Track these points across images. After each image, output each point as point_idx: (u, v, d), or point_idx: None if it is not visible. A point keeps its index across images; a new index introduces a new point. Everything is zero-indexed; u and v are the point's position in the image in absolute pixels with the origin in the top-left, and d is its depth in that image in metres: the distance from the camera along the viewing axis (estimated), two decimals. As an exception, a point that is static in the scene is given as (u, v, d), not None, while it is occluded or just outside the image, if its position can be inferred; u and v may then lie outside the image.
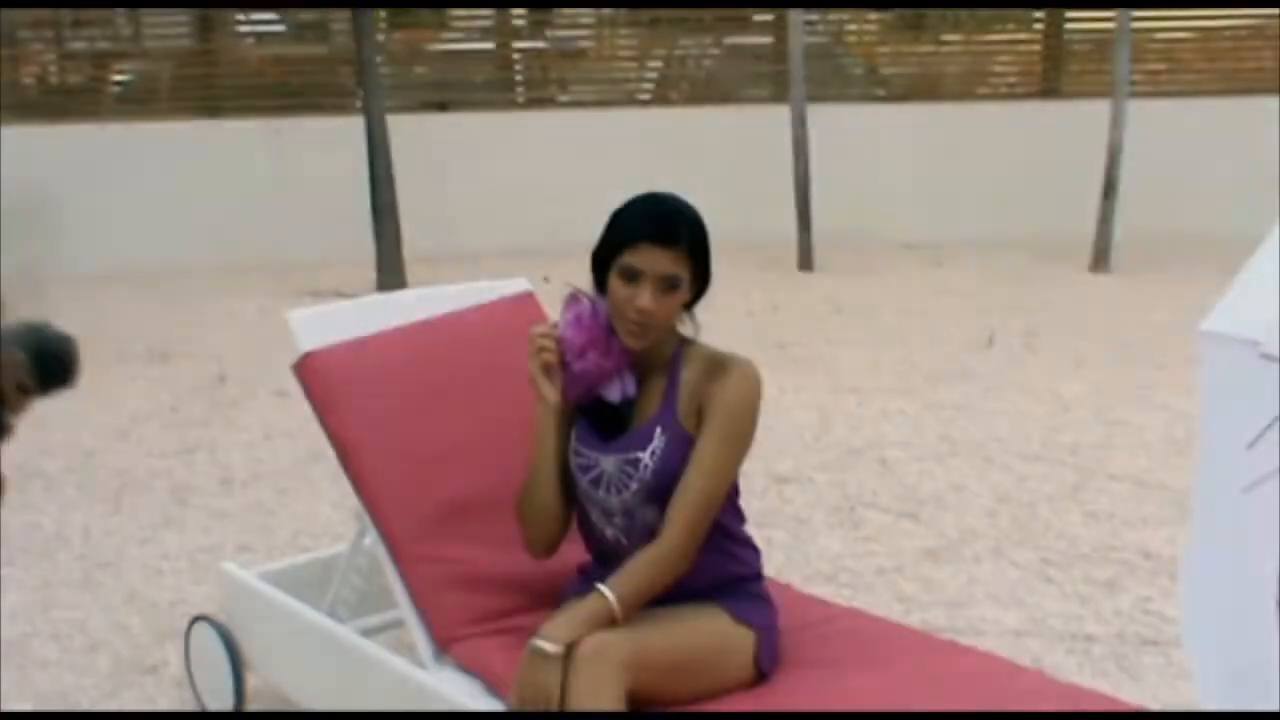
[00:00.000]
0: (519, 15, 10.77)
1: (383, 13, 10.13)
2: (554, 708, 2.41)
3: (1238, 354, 1.68)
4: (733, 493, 2.72)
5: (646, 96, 11.06)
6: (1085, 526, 4.77)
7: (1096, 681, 3.62)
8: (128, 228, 9.31)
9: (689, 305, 2.68)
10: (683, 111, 10.65)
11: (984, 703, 2.52)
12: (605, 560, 2.74)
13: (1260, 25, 10.51)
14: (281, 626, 3.37)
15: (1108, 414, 6.03)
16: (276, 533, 4.83)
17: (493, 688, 2.73)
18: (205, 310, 8.21)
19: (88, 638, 4.05)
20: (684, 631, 2.58)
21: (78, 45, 10.64)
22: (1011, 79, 11.07)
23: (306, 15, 10.72)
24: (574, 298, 2.66)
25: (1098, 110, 9.09)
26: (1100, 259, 9.03)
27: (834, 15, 10.84)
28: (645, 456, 2.62)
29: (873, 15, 11.17)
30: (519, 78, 11.08)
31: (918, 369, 6.80)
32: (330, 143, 9.34)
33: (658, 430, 2.63)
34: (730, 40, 11.05)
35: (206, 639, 3.55)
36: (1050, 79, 10.66)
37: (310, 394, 3.12)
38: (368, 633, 3.25)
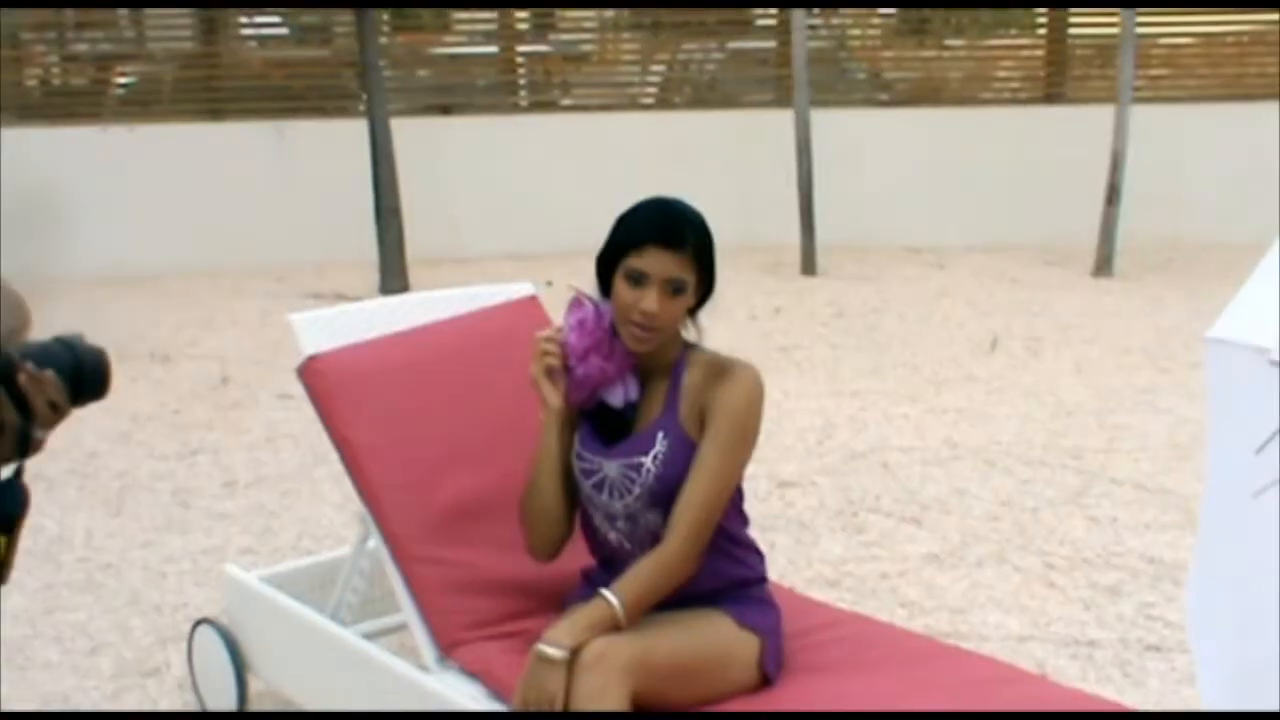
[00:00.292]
0: (522, 18, 10.77)
1: (385, 15, 10.13)
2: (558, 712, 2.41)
3: (1244, 360, 1.68)
4: (736, 497, 2.72)
5: (650, 100, 11.06)
6: (1088, 531, 4.77)
7: (1100, 687, 3.62)
8: (131, 230, 9.30)
9: (693, 311, 2.68)
10: (686, 116, 10.64)
11: (987, 708, 2.52)
12: (609, 564, 2.74)
13: (1263, 31, 10.48)
14: (284, 630, 3.37)
15: (1110, 419, 6.02)
16: (279, 535, 4.82)
17: (496, 692, 2.73)
18: (208, 312, 8.21)
19: (90, 640, 4.04)
20: (688, 636, 2.58)
21: (80, 47, 10.65)
22: (1015, 84, 11.06)
23: (309, 18, 10.72)
24: (578, 301, 2.67)
25: (1101, 115, 9.08)
26: (1103, 264, 9.02)
27: (837, 20, 10.84)
28: (648, 461, 2.62)
29: (876, 20, 11.17)
30: (522, 81, 11.08)
31: (920, 373, 6.79)
32: (333, 145, 9.34)
33: (660, 435, 2.63)
34: (733, 45, 11.03)
35: (209, 642, 3.55)
36: (1054, 84, 10.65)
37: (314, 397, 3.12)
38: (371, 636, 3.25)
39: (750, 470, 2.70)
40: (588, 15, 10.96)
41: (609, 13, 10.93)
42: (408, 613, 2.96)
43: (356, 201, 8.63)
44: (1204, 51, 10.93)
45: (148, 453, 5.72)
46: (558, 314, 2.76)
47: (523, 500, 2.77)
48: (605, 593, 2.52)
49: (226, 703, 3.51)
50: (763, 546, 2.86)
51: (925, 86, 10.90)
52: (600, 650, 2.43)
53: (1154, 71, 10.56)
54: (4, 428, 1.97)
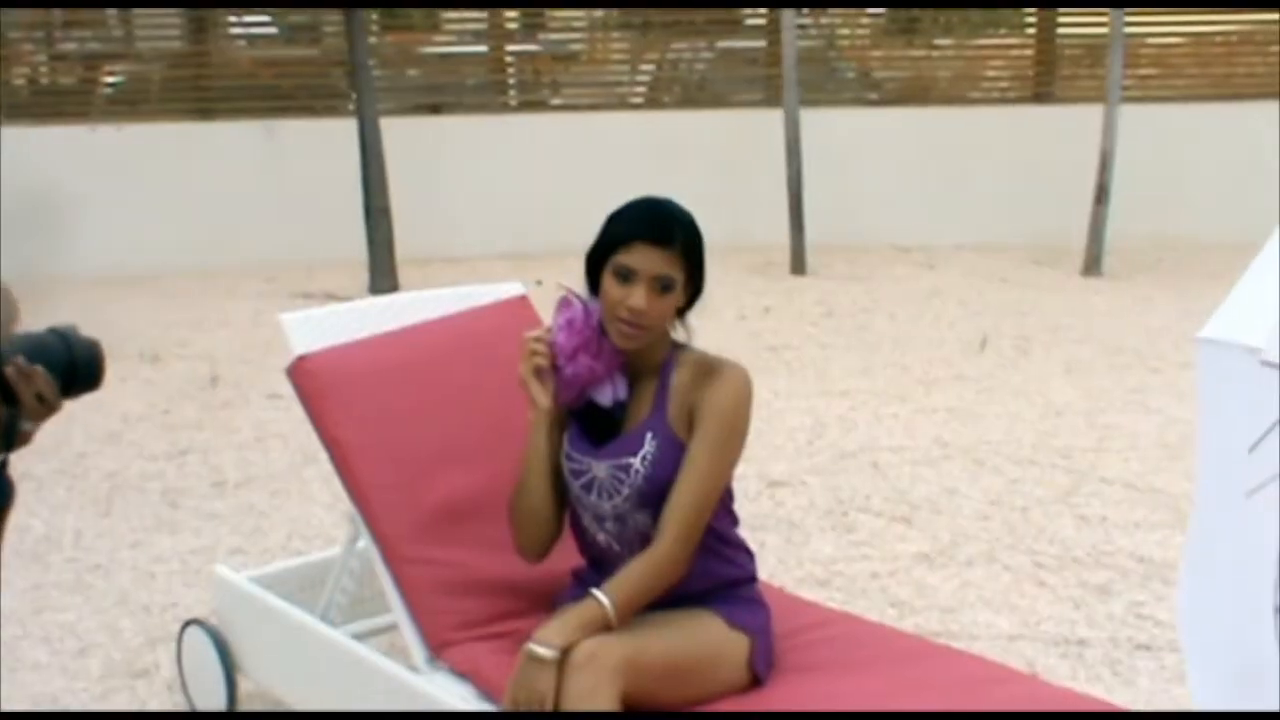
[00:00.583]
0: (511, 18, 10.76)
1: (375, 14, 10.11)
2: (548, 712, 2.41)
3: (1236, 361, 1.68)
4: (726, 497, 2.72)
5: (639, 100, 11.05)
6: (1078, 530, 4.77)
7: (1090, 686, 3.63)
8: (119, 229, 9.28)
9: (682, 311, 2.68)
10: (675, 115, 10.64)
11: (977, 708, 2.52)
12: (599, 565, 2.74)
13: (1252, 31, 10.52)
14: (274, 630, 3.36)
15: (1100, 418, 6.03)
16: (269, 536, 4.81)
17: (486, 692, 2.73)
18: (197, 312, 8.20)
19: (79, 641, 4.03)
20: (679, 636, 2.58)
21: (68, 46, 10.62)
22: (1004, 83, 11.07)
23: (298, 17, 10.71)
24: (566, 301, 2.66)
25: (1090, 115, 9.09)
26: (1092, 263, 9.04)
27: (827, 19, 10.84)
28: (636, 462, 2.62)
29: (865, 20, 11.18)
30: (511, 81, 11.06)
31: (910, 373, 6.80)
32: (322, 145, 9.33)
33: (649, 435, 2.63)
34: (723, 44, 11.03)
35: (198, 642, 3.54)
36: (1043, 84, 10.67)
37: (303, 397, 3.12)
38: (360, 636, 3.24)
39: (740, 470, 2.70)
40: (577, 15, 10.95)
41: (598, 12, 10.92)
42: (397, 613, 2.95)
43: (346, 201, 8.62)
44: (1193, 51, 10.95)
45: (137, 453, 5.71)
46: (547, 313, 2.76)
47: (511, 500, 2.77)
48: (596, 593, 2.52)
49: (216, 704, 3.50)
50: (753, 546, 2.86)
51: (914, 86, 10.91)
52: (591, 650, 2.43)
53: (1143, 71, 10.58)
54: None
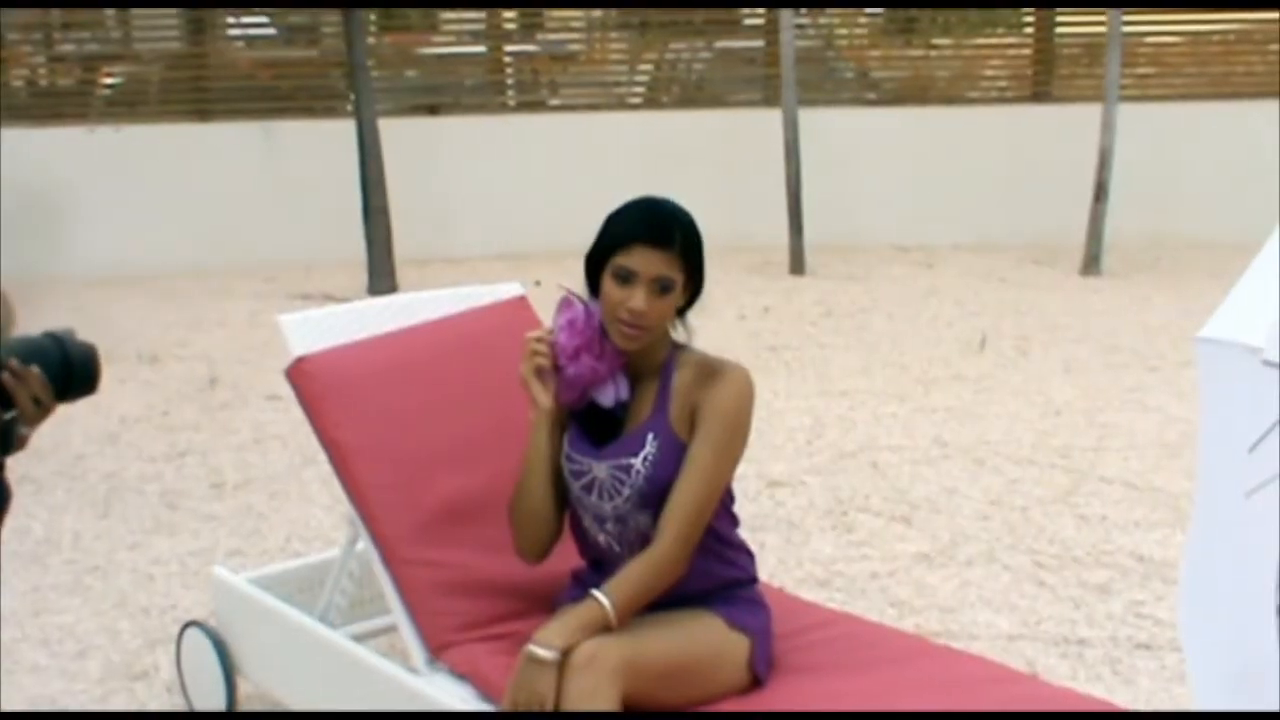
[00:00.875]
0: (510, 18, 10.76)
1: (373, 15, 10.11)
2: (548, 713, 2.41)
3: (1236, 360, 1.68)
4: (726, 498, 2.71)
5: (638, 100, 11.05)
6: (1077, 530, 4.77)
7: (1090, 686, 3.62)
8: (117, 230, 9.28)
9: (682, 311, 2.68)
10: (674, 115, 10.64)
11: (977, 708, 2.52)
12: (599, 566, 2.74)
13: (1250, 30, 10.52)
14: (273, 632, 3.35)
15: (1099, 417, 6.03)
16: (268, 537, 4.81)
17: (486, 694, 2.73)
18: (196, 313, 8.19)
19: (77, 643, 4.03)
20: (679, 637, 2.57)
21: (67, 48, 10.62)
22: (1002, 83, 11.07)
23: (297, 18, 10.71)
24: (567, 301, 2.66)
25: (1088, 114, 9.09)
26: (1091, 262, 9.03)
27: (825, 19, 10.84)
28: (637, 463, 2.61)
29: (864, 19, 11.18)
30: (510, 81, 11.06)
31: (909, 372, 6.79)
32: (321, 146, 9.33)
33: (650, 436, 2.63)
34: (721, 44, 11.03)
35: (198, 644, 3.54)
36: (1041, 83, 10.66)
37: (302, 398, 3.11)
38: (360, 638, 3.24)
39: (740, 470, 2.69)
40: (575, 15, 10.95)
41: (596, 12, 10.92)
42: (397, 614, 2.95)
43: (344, 202, 8.62)
44: (1191, 50, 10.95)
45: (136, 454, 5.71)
46: (546, 314, 2.76)
47: (511, 501, 2.76)
48: (596, 594, 2.52)
49: (215, 705, 3.50)
50: (753, 546, 2.86)
51: (913, 85, 10.91)
52: (591, 651, 2.42)
53: (1141, 70, 10.58)
54: None
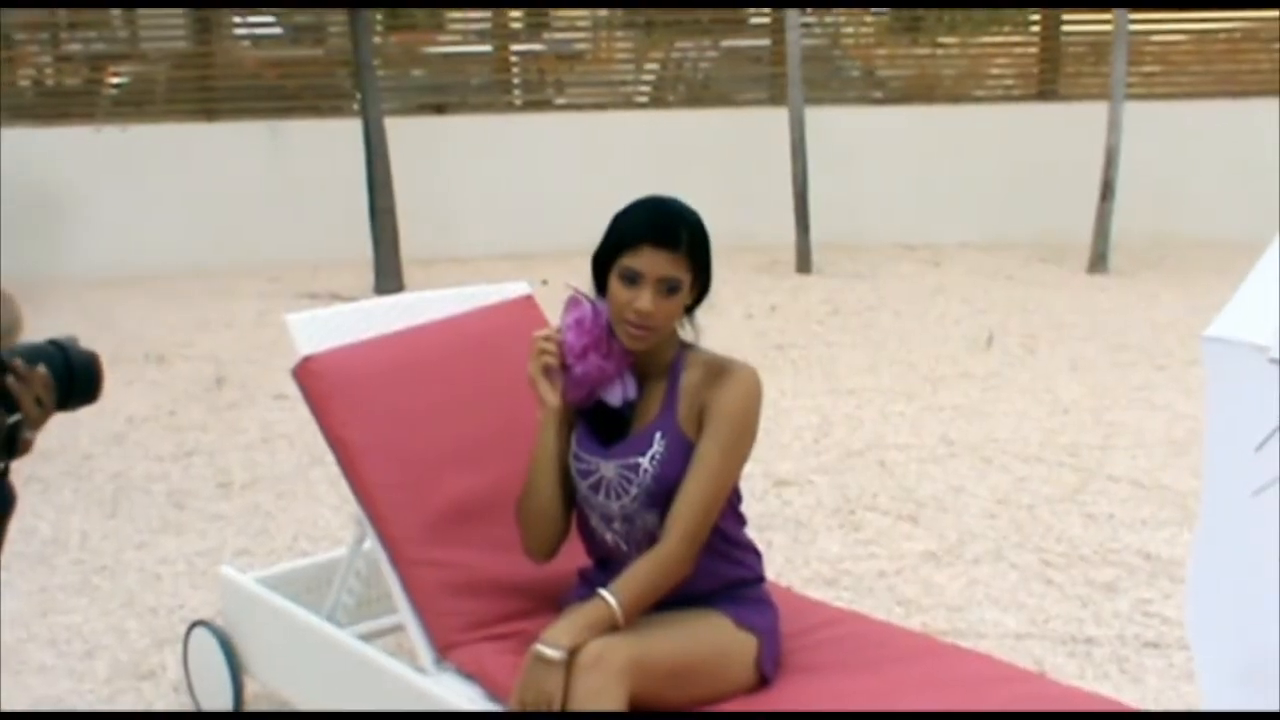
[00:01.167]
0: (516, 17, 10.76)
1: (379, 14, 10.11)
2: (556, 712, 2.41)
3: (1244, 359, 1.67)
4: (733, 497, 2.71)
5: (644, 99, 11.05)
6: (1085, 528, 4.76)
7: (1098, 684, 3.62)
8: (124, 230, 9.29)
9: (689, 310, 2.67)
10: (680, 114, 10.64)
11: (985, 707, 2.52)
12: (606, 565, 2.74)
13: (1256, 28, 10.51)
14: (280, 631, 3.36)
15: (1106, 415, 6.02)
16: (275, 537, 4.81)
17: (493, 693, 2.73)
18: (202, 313, 8.20)
19: (85, 643, 4.03)
20: (686, 636, 2.57)
21: (74, 47, 10.63)
22: (1008, 81, 11.07)
23: (303, 17, 10.71)
24: (575, 300, 2.66)
25: (1094, 112, 9.09)
26: (1098, 260, 9.03)
27: (831, 18, 10.84)
28: (645, 462, 2.61)
29: (870, 18, 11.17)
30: (516, 80, 11.07)
31: (917, 371, 6.79)
32: (327, 145, 9.34)
33: (658, 435, 2.63)
34: (727, 43, 11.04)
35: (205, 644, 3.54)
36: (1047, 81, 10.66)
37: (309, 397, 3.11)
38: (367, 637, 3.24)
39: (747, 469, 2.69)
40: (581, 14, 10.96)
41: (603, 11, 10.93)
42: (404, 614, 2.95)
43: (351, 201, 8.62)
44: (1197, 48, 10.94)
45: (143, 454, 5.71)
46: (553, 313, 2.76)
47: (519, 501, 2.76)
48: (603, 593, 2.52)
49: (222, 705, 3.50)
50: (760, 545, 2.86)
51: (919, 84, 10.91)
52: (598, 651, 2.42)
53: (1147, 68, 10.58)
54: None
